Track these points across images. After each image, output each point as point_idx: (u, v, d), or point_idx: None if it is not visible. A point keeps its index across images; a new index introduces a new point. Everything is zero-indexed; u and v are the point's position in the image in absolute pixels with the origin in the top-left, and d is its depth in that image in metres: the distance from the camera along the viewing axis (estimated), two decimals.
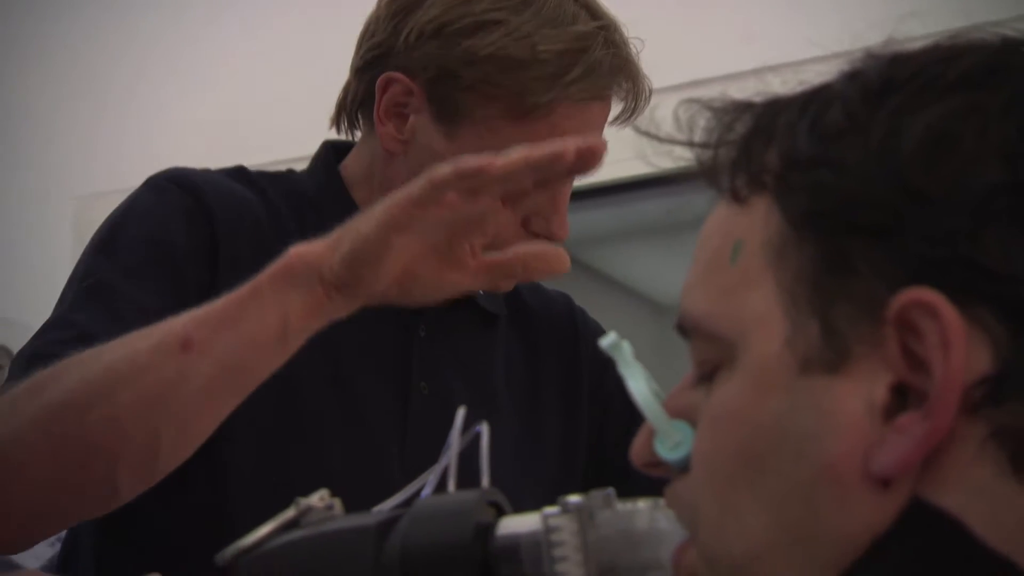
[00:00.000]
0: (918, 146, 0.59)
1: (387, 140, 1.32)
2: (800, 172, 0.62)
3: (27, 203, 3.29)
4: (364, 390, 1.30)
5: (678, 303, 0.68)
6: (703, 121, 0.66)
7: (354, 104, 1.37)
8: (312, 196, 1.37)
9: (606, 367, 1.42)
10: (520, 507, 0.73)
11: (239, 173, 1.38)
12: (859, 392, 0.60)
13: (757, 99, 0.66)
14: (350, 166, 1.39)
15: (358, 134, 1.40)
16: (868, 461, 0.59)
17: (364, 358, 1.31)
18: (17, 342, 1.42)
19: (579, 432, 1.42)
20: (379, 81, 1.31)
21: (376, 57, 1.33)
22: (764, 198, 0.64)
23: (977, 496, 0.59)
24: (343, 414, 1.28)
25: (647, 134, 0.66)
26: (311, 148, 1.45)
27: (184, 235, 1.26)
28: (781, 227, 0.63)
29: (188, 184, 1.29)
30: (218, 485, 1.22)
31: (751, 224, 0.64)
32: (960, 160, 0.59)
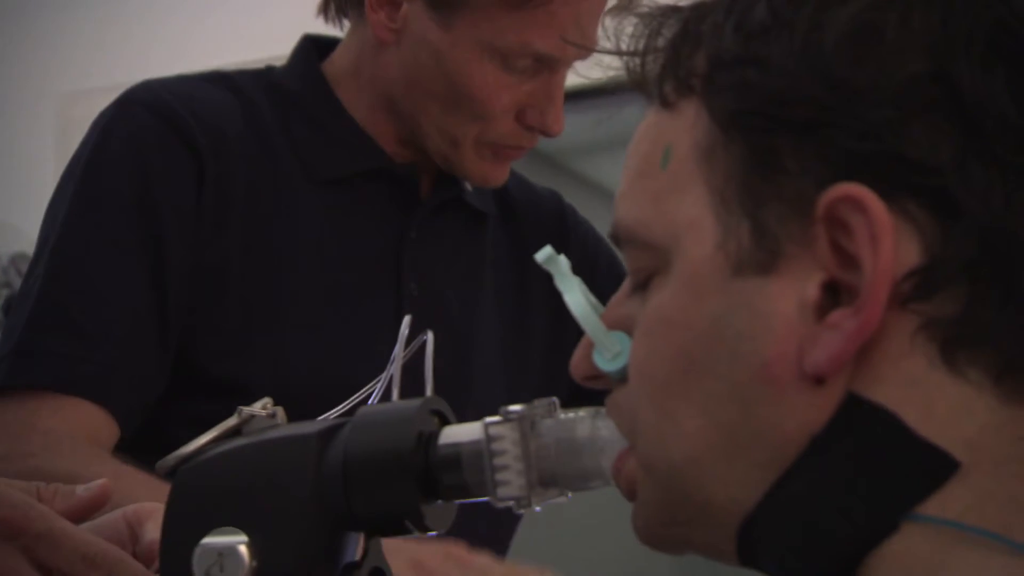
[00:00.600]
0: (842, 39, 0.59)
1: (378, 28, 1.30)
2: (726, 72, 0.62)
3: (9, 101, 3.26)
4: (354, 293, 1.30)
5: None
6: (631, 28, 0.65)
7: None
8: (295, 92, 1.35)
9: (596, 266, 1.41)
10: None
11: (215, 76, 1.36)
12: (791, 291, 0.60)
13: (684, 3, 0.65)
14: (335, 61, 1.37)
15: (346, 25, 1.38)
16: (802, 359, 0.59)
17: (354, 261, 1.31)
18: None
19: (566, 333, 1.42)
20: None
21: None
22: (692, 102, 0.64)
23: (910, 388, 0.59)
24: (334, 316, 1.28)
25: (574, 44, 0.65)
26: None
27: (164, 180, 1.24)
28: (709, 129, 0.62)
29: (164, 109, 1.27)
30: (212, 396, 1.22)
31: (680, 128, 0.64)
32: (884, 51, 0.59)
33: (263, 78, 1.37)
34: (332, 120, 1.34)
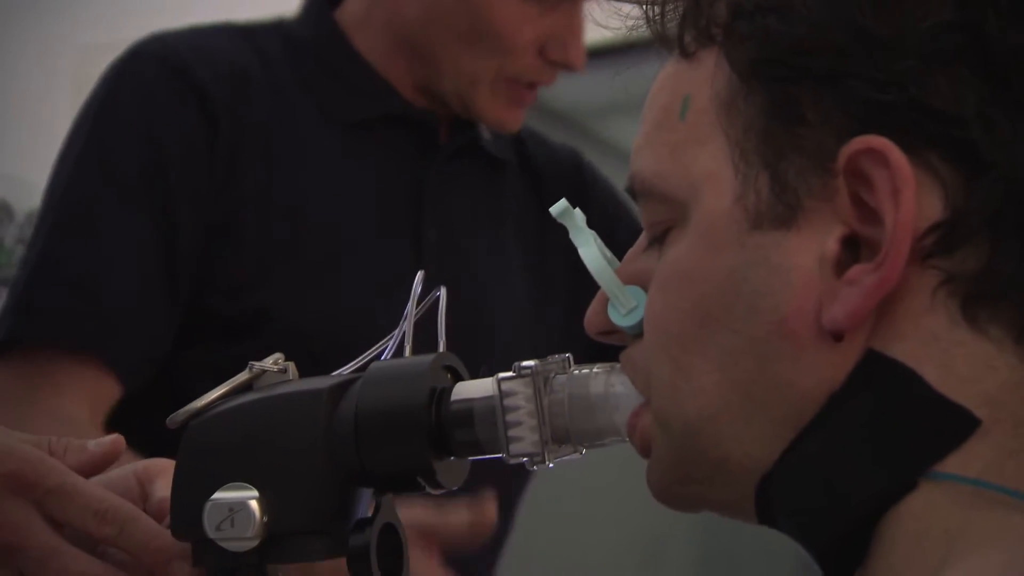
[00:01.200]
0: None
1: None
2: (747, 21, 0.60)
3: (26, 54, 3.24)
4: (374, 236, 1.29)
5: None
6: None
7: None
8: (309, 40, 1.34)
9: (618, 221, 1.41)
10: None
11: (228, 28, 1.35)
12: (810, 246, 0.59)
13: None
14: (348, 8, 1.35)
15: None
16: (820, 315, 0.58)
17: (373, 203, 1.31)
18: (16, 196, 1.42)
19: (585, 290, 1.41)
20: None
21: None
22: (712, 52, 0.62)
23: (930, 345, 0.58)
24: (352, 257, 1.27)
25: None
26: None
27: (173, 135, 1.23)
28: (730, 79, 0.61)
29: (174, 60, 1.25)
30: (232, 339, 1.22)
31: (699, 79, 0.63)
32: (909, 0, 0.57)
33: (277, 30, 1.35)
34: (349, 66, 1.32)
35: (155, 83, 1.25)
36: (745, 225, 0.60)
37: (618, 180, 0.68)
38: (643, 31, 0.66)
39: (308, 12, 1.37)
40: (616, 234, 1.40)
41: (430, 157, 1.34)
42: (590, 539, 2.36)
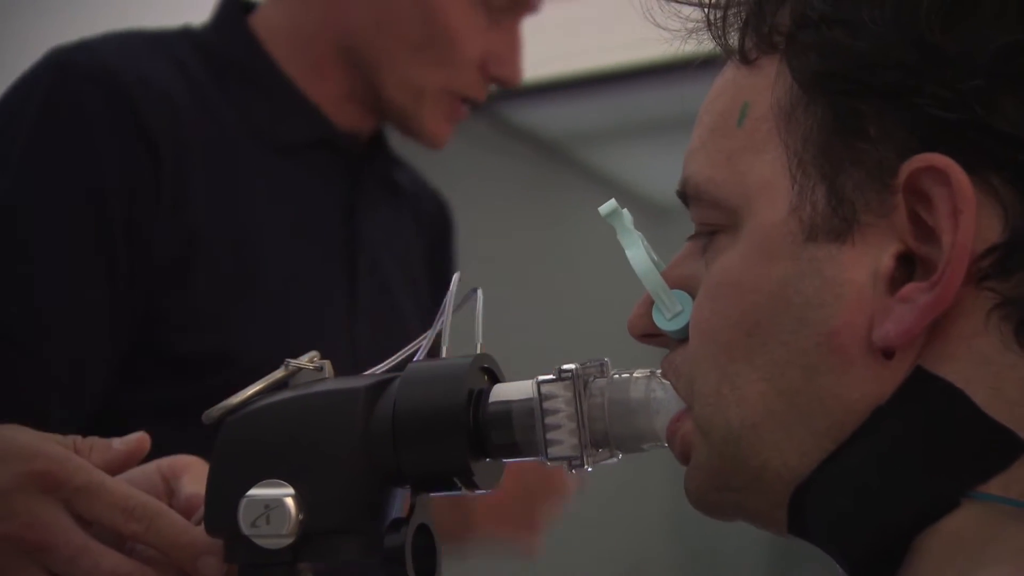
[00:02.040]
0: (936, 4, 0.57)
1: None
2: (812, 31, 0.60)
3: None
4: (315, 271, 1.25)
5: (678, 205, 0.66)
6: None
7: None
8: (227, 55, 1.27)
9: (446, 275, 1.39)
10: None
11: (143, 39, 1.25)
12: (865, 261, 0.59)
13: None
14: (266, 18, 1.29)
15: None
16: (871, 331, 0.58)
17: (311, 237, 1.27)
18: None
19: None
20: None
21: None
22: (774, 59, 0.62)
23: (981, 367, 0.58)
24: (301, 295, 1.24)
25: None
26: None
27: (120, 168, 1.14)
28: (791, 89, 0.61)
29: (114, 84, 1.16)
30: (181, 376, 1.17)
31: (760, 86, 0.62)
32: (978, 19, 0.57)
33: (189, 40, 1.27)
34: (272, 85, 1.27)
35: (95, 110, 1.14)
36: (800, 236, 0.60)
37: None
38: (693, 39, 0.66)
39: (221, 21, 1.30)
40: (437, 289, 1.37)
41: (355, 182, 1.31)
42: (571, 561, 2.35)
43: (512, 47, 1.28)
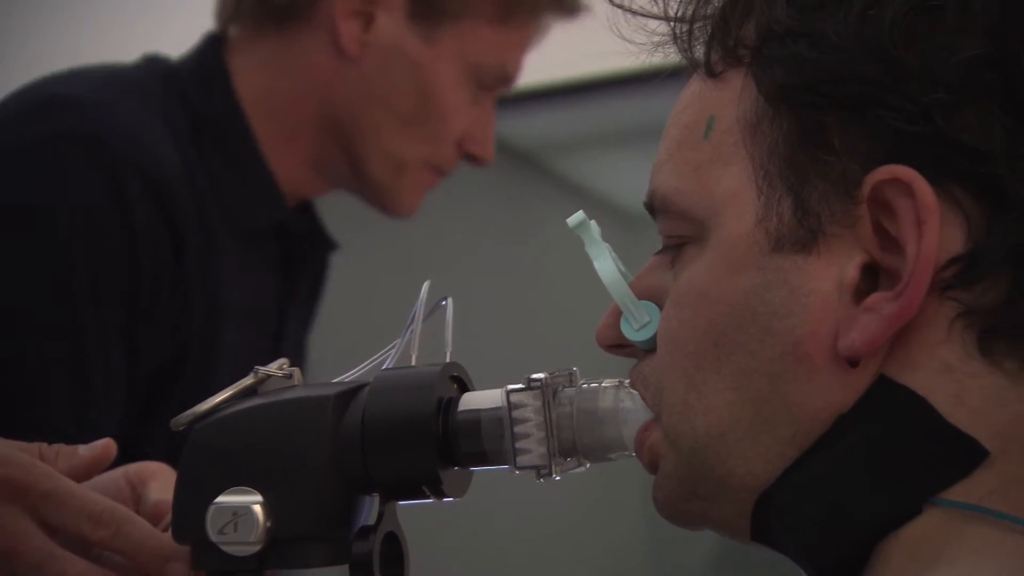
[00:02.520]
0: (899, 18, 0.58)
1: (347, 40, 1.22)
2: (777, 44, 0.61)
3: None
4: (251, 349, 1.24)
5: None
6: None
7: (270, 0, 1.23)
8: (208, 116, 1.23)
9: (310, 318, 1.39)
10: None
11: (138, 92, 1.21)
12: (830, 271, 0.59)
13: None
14: (246, 80, 1.25)
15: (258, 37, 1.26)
16: (836, 340, 0.59)
17: (253, 317, 1.27)
18: None
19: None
20: None
21: None
22: (740, 72, 0.63)
23: (943, 375, 0.59)
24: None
25: (620, 6, 0.64)
26: None
27: (145, 248, 1.12)
28: (756, 101, 0.62)
29: (132, 161, 1.13)
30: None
31: (725, 99, 0.63)
32: (942, 33, 0.58)
33: (169, 83, 1.23)
34: (242, 154, 1.24)
35: (132, 198, 1.12)
36: (766, 247, 0.60)
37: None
38: (659, 53, 0.66)
39: (206, 74, 1.26)
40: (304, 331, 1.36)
41: (298, 267, 1.31)
42: (556, 569, 2.36)
43: (489, 126, 1.29)
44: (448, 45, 1.23)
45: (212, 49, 1.27)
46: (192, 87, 1.24)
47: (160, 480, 0.75)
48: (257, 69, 1.26)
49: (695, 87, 0.65)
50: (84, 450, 0.75)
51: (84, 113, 1.15)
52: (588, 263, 0.69)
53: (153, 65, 1.26)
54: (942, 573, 0.57)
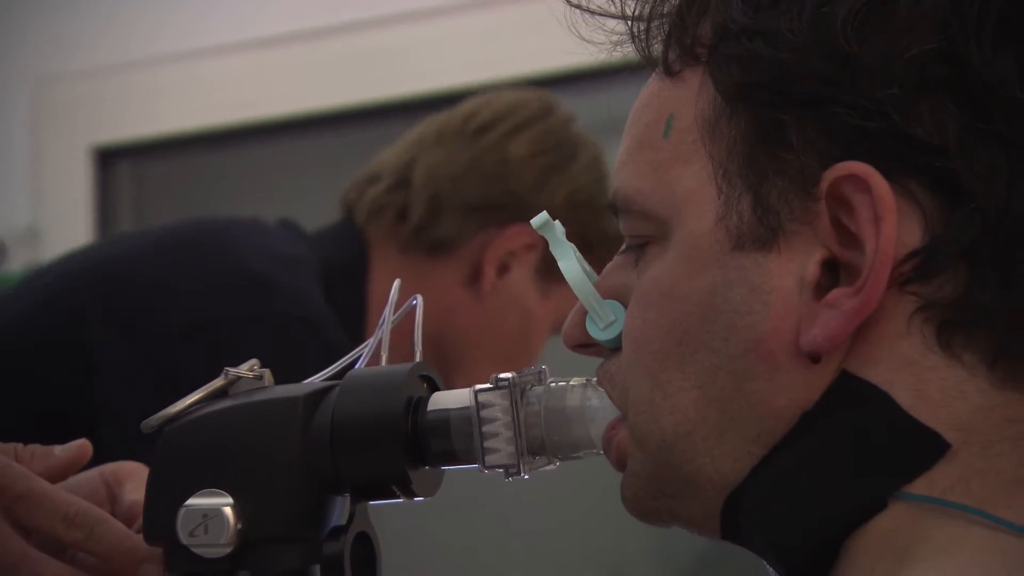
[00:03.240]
0: (852, 14, 0.58)
1: (485, 281, 1.33)
2: (733, 43, 0.61)
3: None
4: None
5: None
6: None
7: (429, 231, 1.33)
8: (341, 307, 1.31)
9: None
10: None
11: (311, 274, 1.30)
12: (790, 268, 0.59)
13: None
14: (381, 287, 1.33)
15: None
16: (798, 336, 0.59)
17: None
18: None
19: None
20: (511, 230, 1.31)
21: (505, 204, 1.32)
22: (697, 71, 0.63)
23: (904, 369, 0.59)
24: None
25: (578, 7, 0.64)
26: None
27: None
28: (714, 100, 0.62)
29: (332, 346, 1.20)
30: None
31: (683, 98, 0.63)
32: (893, 28, 0.58)
33: (320, 270, 1.32)
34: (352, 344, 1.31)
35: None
36: (727, 246, 0.61)
37: None
38: (618, 52, 0.66)
39: (350, 273, 1.35)
40: None
41: None
42: (553, 562, 2.36)
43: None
44: (556, 300, 1.34)
45: (358, 248, 1.35)
46: (337, 279, 1.33)
47: (136, 480, 0.76)
48: (392, 279, 1.34)
49: (654, 86, 0.65)
50: (59, 451, 0.76)
51: (290, 296, 1.26)
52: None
53: (306, 245, 1.34)
54: (910, 573, 0.57)
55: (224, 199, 2.44)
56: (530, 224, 0.69)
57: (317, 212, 1.48)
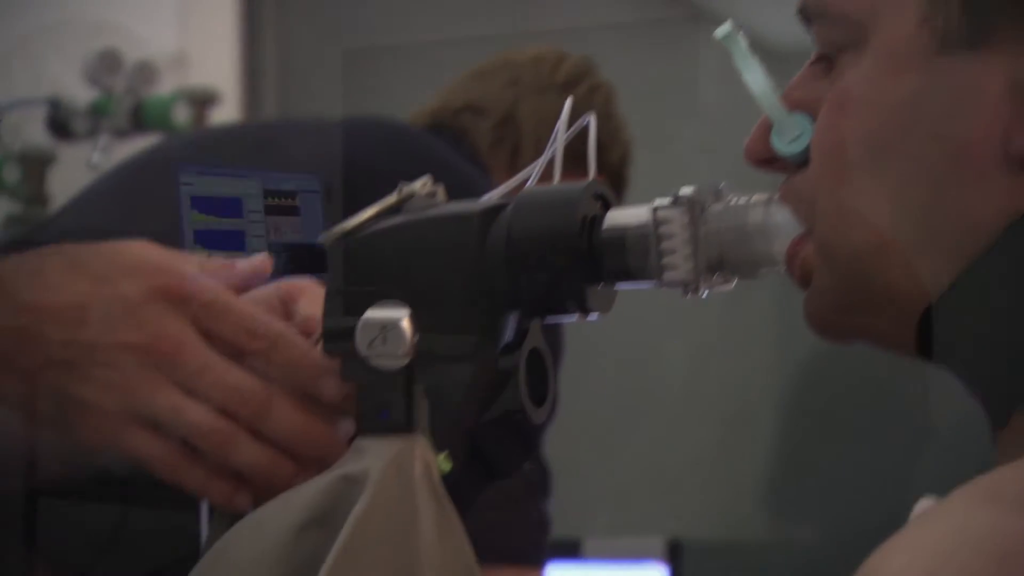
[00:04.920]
0: None
1: None
2: None
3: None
4: None
5: (797, 48, 0.64)
6: None
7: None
8: None
9: None
10: None
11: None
12: (1001, 69, 0.57)
13: None
14: None
15: None
16: (1008, 141, 0.56)
17: None
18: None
19: None
20: None
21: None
22: None
23: None
24: None
25: None
26: None
27: None
28: None
29: None
30: None
31: None
32: None
33: None
34: None
35: None
36: (931, 49, 0.58)
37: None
38: None
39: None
40: None
41: None
42: (671, 411, 2.37)
43: None
44: None
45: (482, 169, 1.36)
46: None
47: (309, 297, 0.76)
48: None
49: None
50: (242, 264, 0.77)
51: None
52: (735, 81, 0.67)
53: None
54: None
55: (366, 31, 2.42)
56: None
57: None
